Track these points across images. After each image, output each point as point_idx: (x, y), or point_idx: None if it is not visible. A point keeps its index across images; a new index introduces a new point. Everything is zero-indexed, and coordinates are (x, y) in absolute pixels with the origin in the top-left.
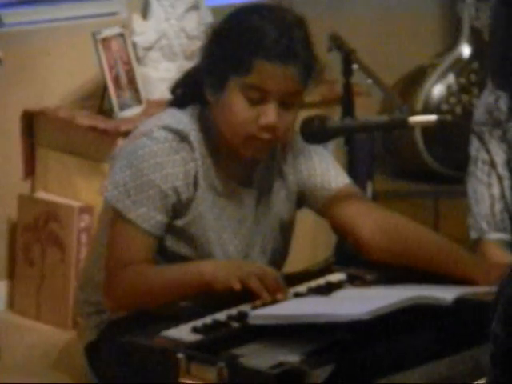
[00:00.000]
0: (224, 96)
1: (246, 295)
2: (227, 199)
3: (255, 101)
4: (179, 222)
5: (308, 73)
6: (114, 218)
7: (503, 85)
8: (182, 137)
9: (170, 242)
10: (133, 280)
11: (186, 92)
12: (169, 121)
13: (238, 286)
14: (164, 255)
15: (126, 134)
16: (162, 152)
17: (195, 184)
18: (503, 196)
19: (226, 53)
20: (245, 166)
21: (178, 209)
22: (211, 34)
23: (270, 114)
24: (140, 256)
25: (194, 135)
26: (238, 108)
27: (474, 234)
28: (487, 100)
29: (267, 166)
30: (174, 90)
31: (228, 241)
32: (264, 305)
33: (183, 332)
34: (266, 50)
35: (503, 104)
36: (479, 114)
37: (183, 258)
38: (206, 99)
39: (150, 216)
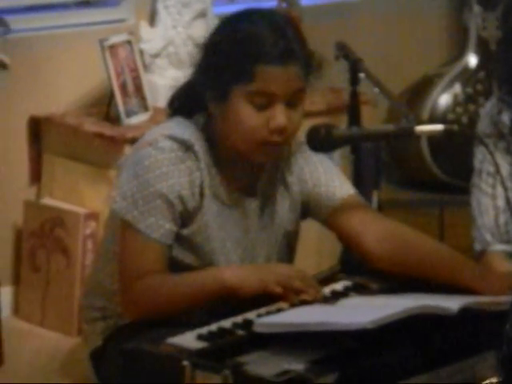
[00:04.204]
0: (229, 106)
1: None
2: (231, 209)
3: (262, 106)
4: (184, 231)
5: (308, 69)
6: (124, 229)
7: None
8: (187, 146)
9: (175, 251)
10: (152, 291)
11: (184, 105)
12: (174, 130)
13: (279, 290)
14: (168, 264)
15: (132, 140)
16: (167, 162)
17: (201, 193)
18: (509, 207)
19: (224, 64)
20: (249, 175)
21: (185, 218)
22: (205, 47)
23: (279, 116)
24: (154, 266)
25: (199, 145)
26: (245, 116)
27: (478, 246)
28: (491, 112)
29: (271, 176)
30: (170, 105)
31: (232, 250)
32: (269, 313)
33: (188, 339)
34: (266, 55)
35: (505, 117)
36: (484, 126)
37: (187, 267)
38: (209, 111)
39: (158, 225)
